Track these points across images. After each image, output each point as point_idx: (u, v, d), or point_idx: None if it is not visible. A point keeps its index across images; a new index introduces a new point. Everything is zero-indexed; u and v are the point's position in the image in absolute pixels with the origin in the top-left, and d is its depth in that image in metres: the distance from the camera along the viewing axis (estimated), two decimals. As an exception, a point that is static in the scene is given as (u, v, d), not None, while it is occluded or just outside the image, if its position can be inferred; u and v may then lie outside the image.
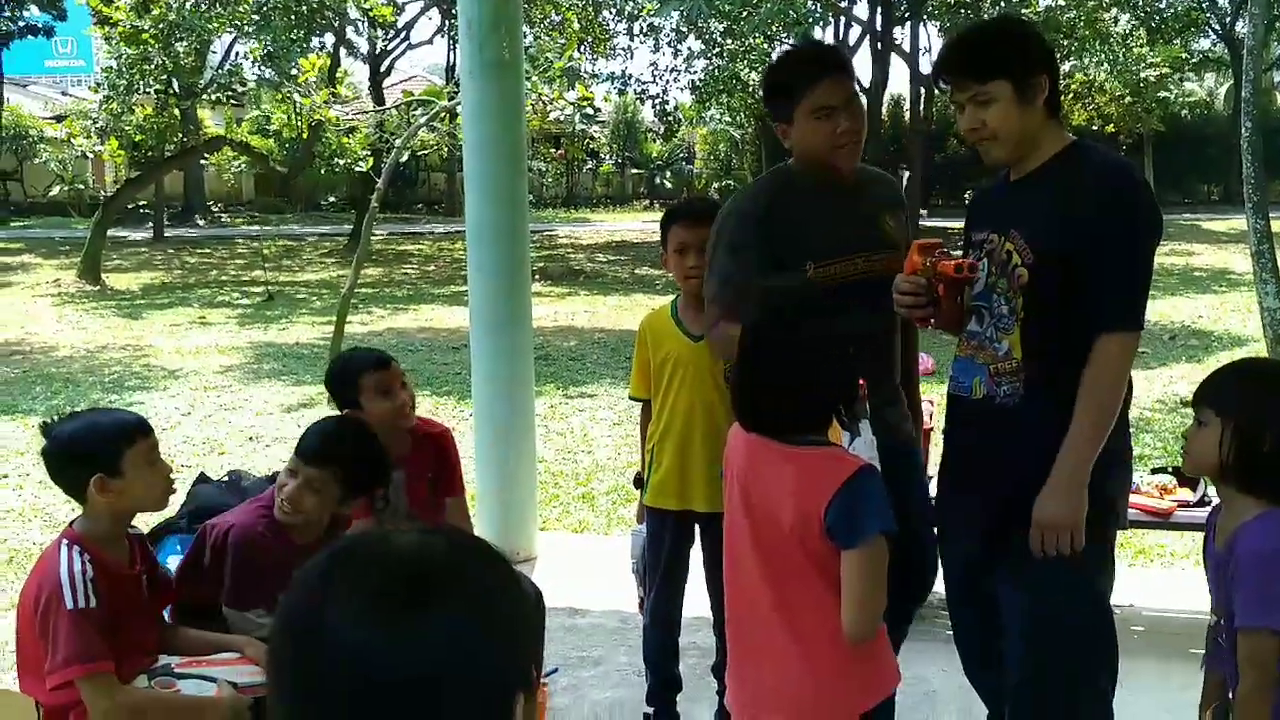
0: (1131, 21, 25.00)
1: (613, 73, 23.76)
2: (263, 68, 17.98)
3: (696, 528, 3.22)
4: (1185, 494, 3.88)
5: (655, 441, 3.18)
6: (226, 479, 3.87)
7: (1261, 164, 9.48)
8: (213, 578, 2.65)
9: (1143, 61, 26.62)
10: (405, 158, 10.08)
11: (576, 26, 18.51)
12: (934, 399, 5.13)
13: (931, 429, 4.05)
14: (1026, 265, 2.34)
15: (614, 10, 21.22)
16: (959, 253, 2.56)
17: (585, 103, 9.40)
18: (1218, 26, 32.70)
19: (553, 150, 28.13)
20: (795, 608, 2.07)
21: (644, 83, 24.42)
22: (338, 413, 3.01)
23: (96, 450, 2.30)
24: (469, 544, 0.97)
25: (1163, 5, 28.07)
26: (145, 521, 2.88)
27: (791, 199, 2.80)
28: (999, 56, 2.38)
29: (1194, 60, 33.67)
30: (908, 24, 25.24)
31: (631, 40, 22.43)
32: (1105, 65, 24.41)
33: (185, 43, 15.65)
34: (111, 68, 16.40)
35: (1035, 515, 2.28)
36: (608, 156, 37.38)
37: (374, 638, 0.85)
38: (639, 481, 3.37)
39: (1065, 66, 24.04)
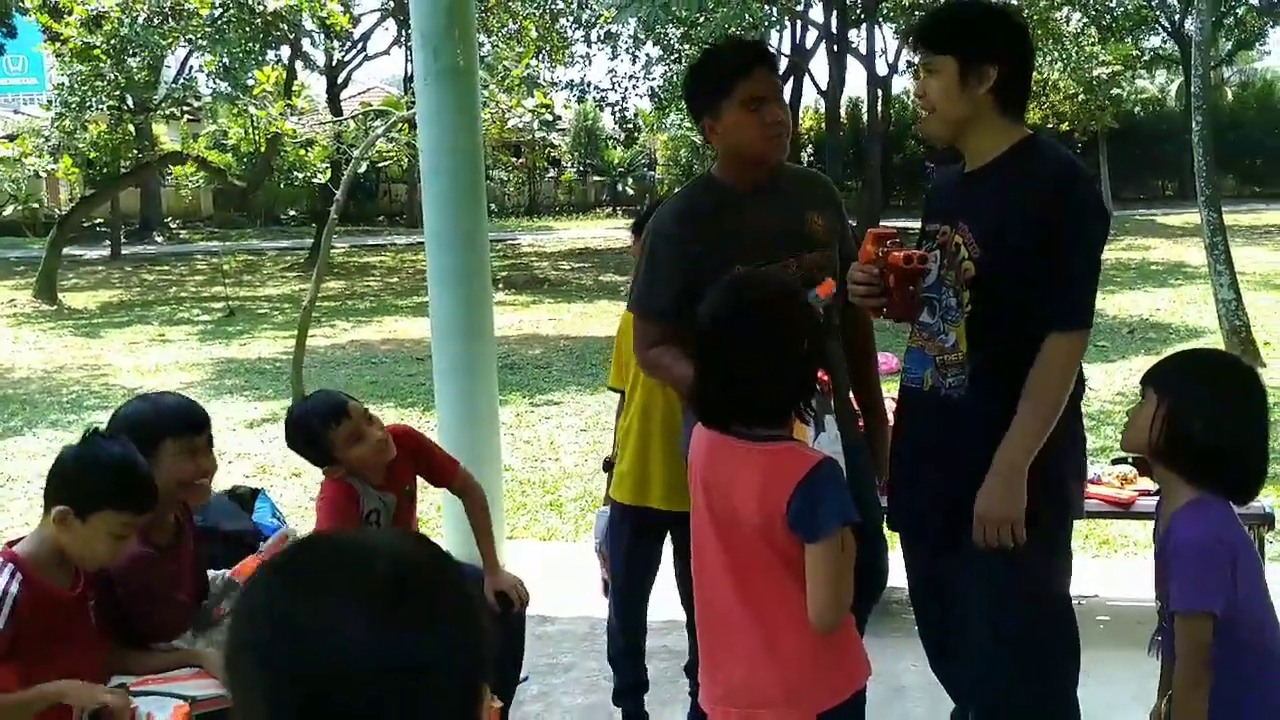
0: (1083, 20, 25.35)
1: (571, 80, 23.83)
2: (218, 81, 17.84)
3: (664, 529, 3.24)
4: (1146, 483, 3.90)
5: (622, 434, 3.27)
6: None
7: (1213, 159, 9.63)
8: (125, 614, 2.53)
9: (1095, 59, 27.00)
10: (364, 169, 10.00)
11: (534, 35, 18.51)
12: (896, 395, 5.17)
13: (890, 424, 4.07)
14: (973, 259, 2.36)
15: (571, 18, 21.23)
16: (912, 244, 2.57)
17: (544, 110, 9.38)
18: (1167, 24, 33.18)
19: (513, 159, 28.09)
20: (763, 603, 2.07)
21: (603, 90, 24.49)
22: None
23: (81, 485, 2.24)
24: (429, 545, 1.01)
25: (1113, 4, 28.47)
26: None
27: (715, 205, 2.79)
28: (951, 33, 2.43)
29: (1145, 58, 34.14)
30: (864, 26, 25.41)
31: (589, 47, 22.49)
32: (1058, 64, 24.73)
33: (138, 58, 15.50)
34: (64, 84, 16.20)
35: (976, 509, 2.31)
36: (569, 164, 37.35)
37: (358, 631, 0.88)
38: (608, 465, 3.42)
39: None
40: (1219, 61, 33.32)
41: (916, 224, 2.76)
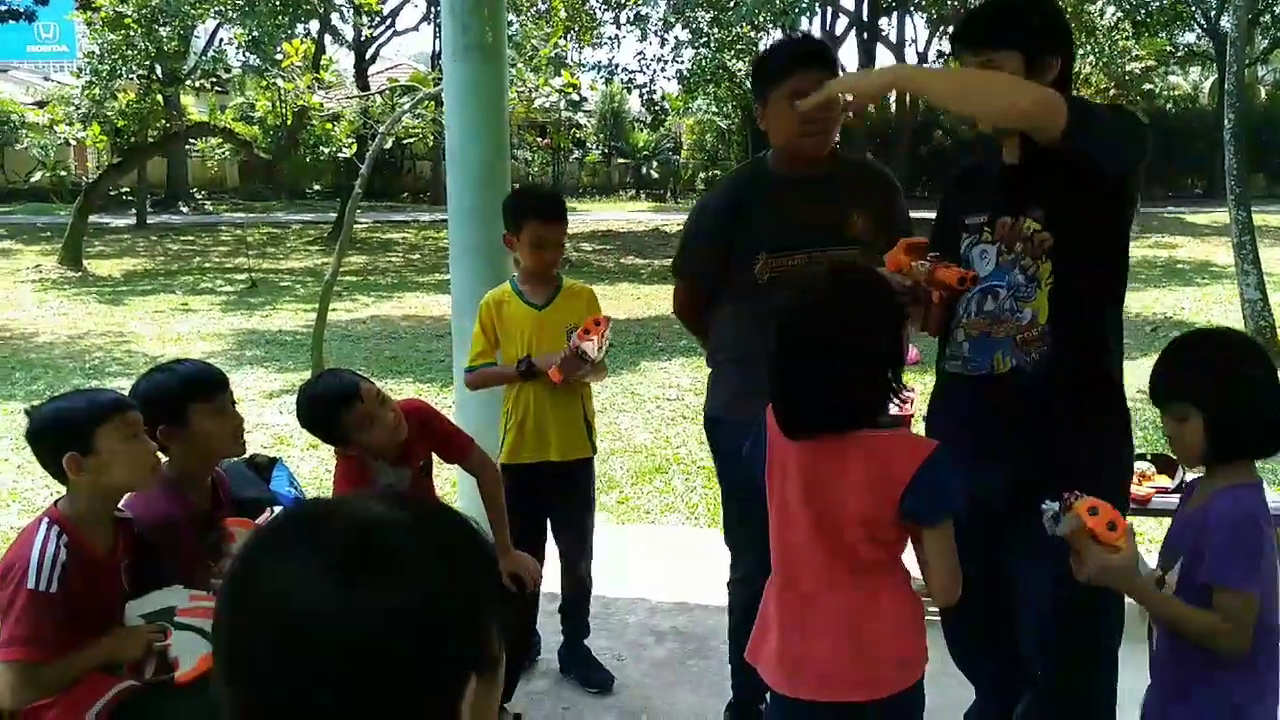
0: (1117, 14, 25.09)
1: (599, 62, 23.75)
2: (247, 54, 17.90)
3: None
4: (1163, 480, 3.90)
5: (510, 403, 3.43)
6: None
7: (1245, 157, 9.54)
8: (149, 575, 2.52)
9: (1128, 54, 26.73)
10: (389, 144, 10.02)
11: (563, 15, 18.45)
12: (917, 387, 5.15)
13: (913, 415, 4.06)
14: (1050, 229, 2.38)
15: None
16: (942, 257, 2.54)
17: (571, 89, 9.35)
18: (1202, 20, 32.80)
19: (539, 139, 28.06)
20: (856, 591, 2.08)
21: (630, 72, 24.40)
22: None
23: (68, 427, 2.27)
24: (426, 514, 0.94)
25: (1148, -2, 28.14)
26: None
27: (757, 190, 2.93)
28: (1014, 27, 2.39)
29: (1179, 54, 33.78)
30: (894, 15, 25.24)
31: (619, 29, 22.38)
32: (1091, 57, 24.49)
33: (169, 28, 15.58)
34: (94, 53, 16.30)
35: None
36: (594, 146, 37.32)
37: (321, 603, 0.84)
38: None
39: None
40: (1254, 60, 32.91)
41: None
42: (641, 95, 25.53)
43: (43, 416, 2.32)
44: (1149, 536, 5.00)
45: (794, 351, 2.05)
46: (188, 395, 2.56)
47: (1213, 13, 31.91)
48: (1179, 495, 3.79)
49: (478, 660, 0.90)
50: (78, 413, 2.29)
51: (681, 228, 3.16)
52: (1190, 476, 3.97)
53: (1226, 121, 9.47)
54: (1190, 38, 34.07)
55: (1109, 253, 2.44)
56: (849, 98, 2.51)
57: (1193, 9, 32.07)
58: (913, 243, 2.46)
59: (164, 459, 2.52)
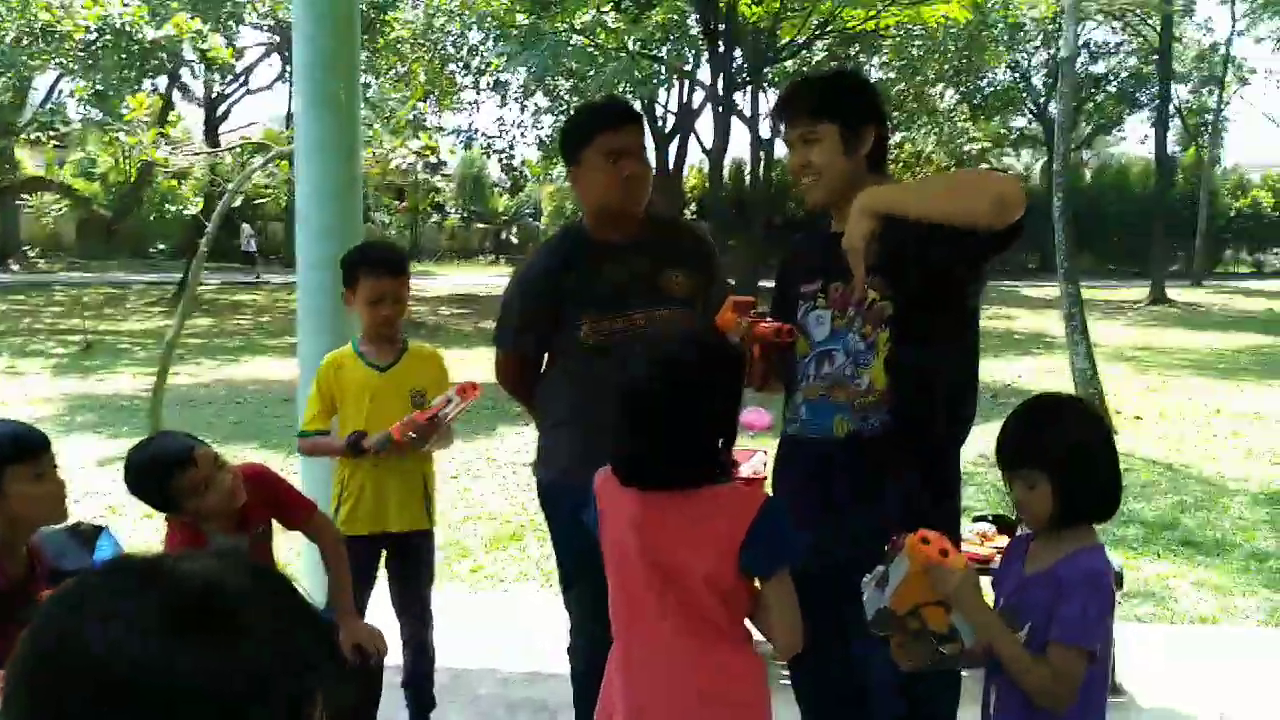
0: (955, 97, 26.54)
1: (459, 127, 23.73)
2: (89, 107, 17.24)
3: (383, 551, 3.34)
4: (1003, 540, 4.00)
5: (348, 471, 3.27)
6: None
7: (1072, 234, 10.11)
8: None
9: (966, 135, 28.25)
10: (238, 202, 9.75)
11: (422, 79, 18.43)
12: (768, 449, 5.20)
13: (765, 478, 4.08)
14: (890, 298, 2.41)
15: (460, 64, 21.23)
16: (768, 313, 2.60)
17: (430, 152, 9.30)
18: (1033, 106, 35.01)
19: (396, 202, 27.79)
20: (701, 652, 2.05)
21: (490, 137, 24.46)
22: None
23: None
24: (269, 579, 0.92)
25: (984, 84, 29.85)
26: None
27: (576, 254, 2.91)
28: (830, 100, 2.50)
29: (1013, 136, 35.89)
30: (749, 90, 26.07)
31: (478, 94, 22.47)
32: (932, 137, 25.78)
33: (4, 78, 14.87)
34: (-80, 101, 15.44)
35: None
36: (453, 210, 37.17)
37: (147, 659, 0.80)
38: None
39: (896, 137, 25.23)
40: (1079, 144, 35.24)
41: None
42: (501, 160, 25.59)
43: None
44: (991, 596, 5.15)
45: (639, 406, 2.04)
46: (3, 458, 2.37)
47: (1042, 99, 34.07)
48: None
49: (305, 709, 0.87)
50: None
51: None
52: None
53: (1056, 200, 10.04)
54: (1022, 122, 36.31)
55: (952, 326, 2.47)
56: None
57: (1024, 95, 34.21)
58: (739, 300, 2.52)
59: None
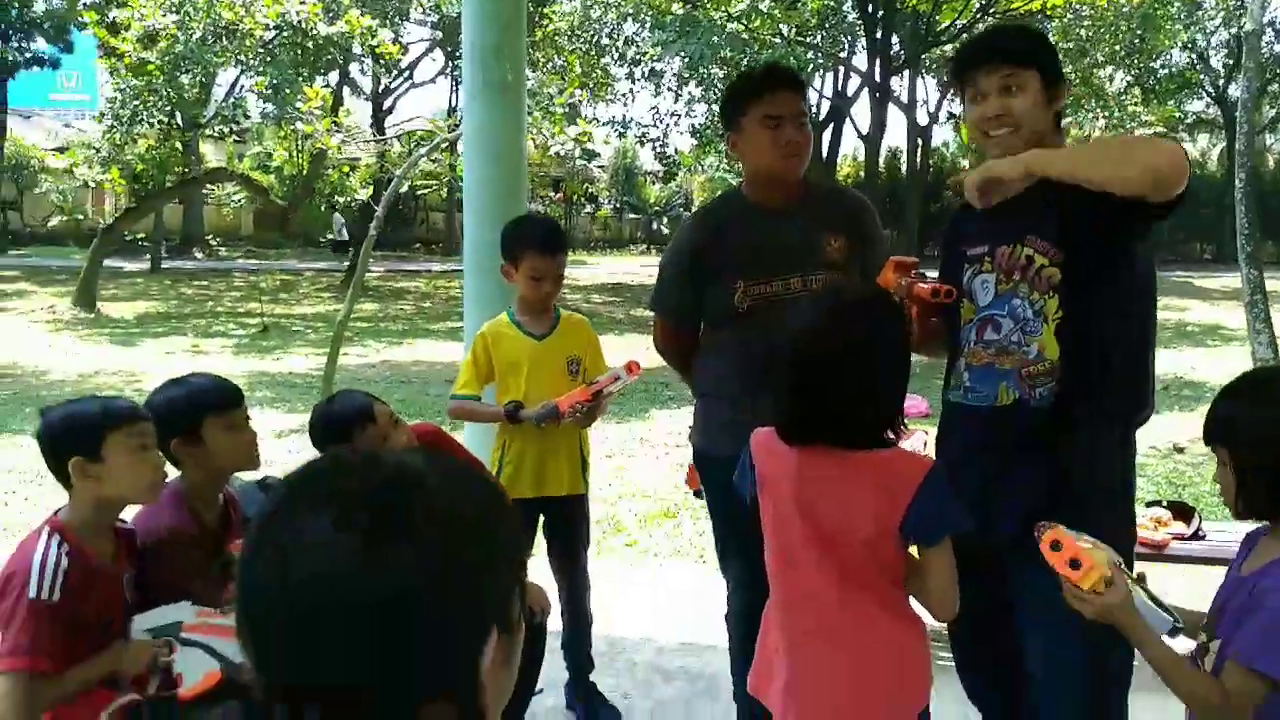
0: (1126, 79, 25.38)
1: (613, 118, 23.95)
2: (266, 103, 18.15)
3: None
4: (1179, 526, 3.85)
5: (507, 437, 3.35)
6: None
7: (1256, 217, 9.58)
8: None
9: (1137, 120, 26.97)
10: (405, 188, 10.11)
11: (579, 70, 18.71)
12: (929, 430, 5.11)
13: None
14: (1055, 264, 2.33)
15: (616, 55, 21.44)
16: (934, 274, 2.56)
17: (585, 138, 9.46)
18: (1211, 89, 33.18)
19: (552, 193, 28.33)
20: (863, 616, 2.06)
21: (644, 126, 24.61)
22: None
23: (77, 431, 2.24)
24: (452, 472, 0.94)
25: (1158, 65, 28.45)
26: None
27: (734, 219, 2.93)
28: (1034, 47, 2.43)
29: (1188, 120, 34.08)
30: (906, 75, 25.55)
31: (633, 84, 22.62)
32: (1100, 122, 24.72)
33: (190, 75, 15.77)
34: (116, 98, 16.52)
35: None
36: (606, 201, 37.62)
37: (338, 556, 0.84)
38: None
39: (1063, 121, 24.29)
40: (1262, 128, 33.23)
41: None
42: (654, 149, 25.75)
43: (55, 416, 2.28)
44: (1164, 587, 4.94)
45: (808, 360, 2.02)
46: (203, 406, 2.54)
47: (1220, 81, 32.26)
48: (1195, 541, 3.79)
49: (502, 618, 0.91)
50: (90, 417, 2.25)
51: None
52: (1206, 525, 3.94)
53: (1238, 182, 9.54)
54: (1199, 105, 34.45)
55: (1122, 298, 2.35)
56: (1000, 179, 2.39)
57: (1202, 77, 32.45)
58: (900, 261, 2.48)
59: (177, 474, 2.49)
